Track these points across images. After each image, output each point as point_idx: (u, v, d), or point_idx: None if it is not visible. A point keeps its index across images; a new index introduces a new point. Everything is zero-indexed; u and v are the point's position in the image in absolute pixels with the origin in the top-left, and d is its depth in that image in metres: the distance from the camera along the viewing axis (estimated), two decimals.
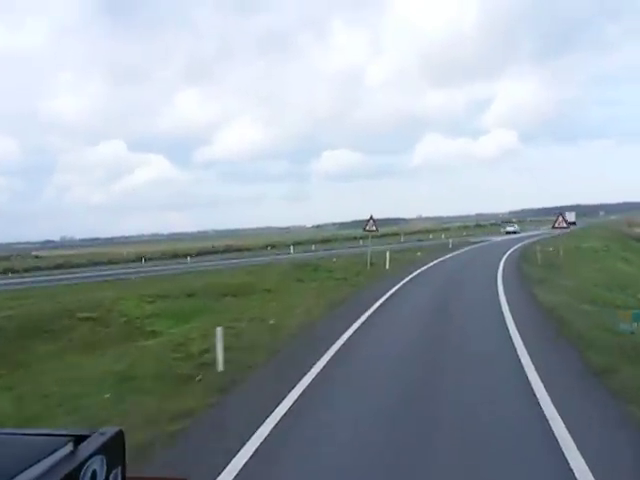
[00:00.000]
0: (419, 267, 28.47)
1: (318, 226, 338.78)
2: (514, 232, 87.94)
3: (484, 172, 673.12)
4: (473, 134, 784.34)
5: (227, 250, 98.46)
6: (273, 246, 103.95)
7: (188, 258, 64.17)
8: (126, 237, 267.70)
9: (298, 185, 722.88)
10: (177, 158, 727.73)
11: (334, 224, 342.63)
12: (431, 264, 30.85)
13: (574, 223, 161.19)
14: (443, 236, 79.98)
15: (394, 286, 20.58)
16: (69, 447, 1.06)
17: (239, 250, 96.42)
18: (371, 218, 28.94)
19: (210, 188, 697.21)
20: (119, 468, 1.14)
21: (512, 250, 40.84)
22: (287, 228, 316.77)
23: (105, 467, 1.07)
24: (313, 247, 71.68)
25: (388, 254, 31.26)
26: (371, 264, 30.11)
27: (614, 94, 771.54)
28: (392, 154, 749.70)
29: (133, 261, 75.64)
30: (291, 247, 63.26)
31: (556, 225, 28.67)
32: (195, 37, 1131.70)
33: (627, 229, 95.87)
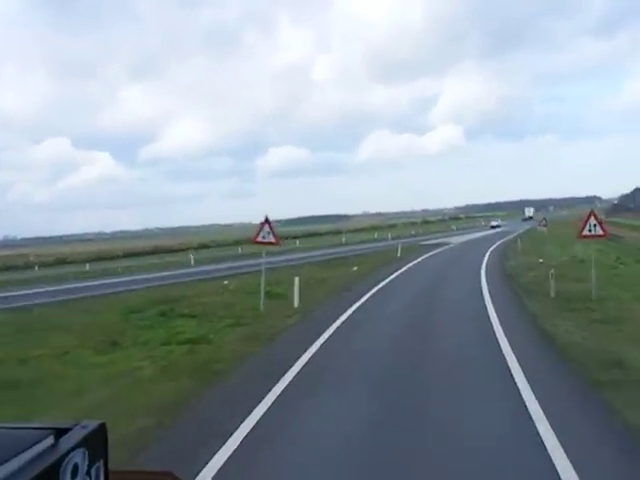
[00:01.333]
0: (350, 303, 16.45)
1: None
2: (497, 226, 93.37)
3: (430, 168, 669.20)
4: (419, 130, 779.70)
5: (155, 251, 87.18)
6: (207, 246, 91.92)
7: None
8: (69, 236, 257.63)
9: (243, 182, 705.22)
10: (122, 156, 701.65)
11: (279, 221, 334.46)
12: (370, 295, 18.60)
13: (531, 218, 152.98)
14: (390, 236, 68.72)
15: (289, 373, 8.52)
16: (50, 440, 1.01)
17: (166, 251, 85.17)
18: (266, 221, 16.56)
19: (155, 186, 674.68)
20: (101, 461, 1.09)
21: (486, 264, 28.13)
22: (230, 225, 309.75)
23: (87, 460, 1.03)
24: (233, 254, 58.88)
25: (306, 271, 19.26)
26: (270, 296, 18.03)
27: (558, 91, 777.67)
28: (338, 150, 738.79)
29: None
30: (192, 258, 48.94)
31: (585, 233, 17.03)
32: (139, 32, 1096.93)
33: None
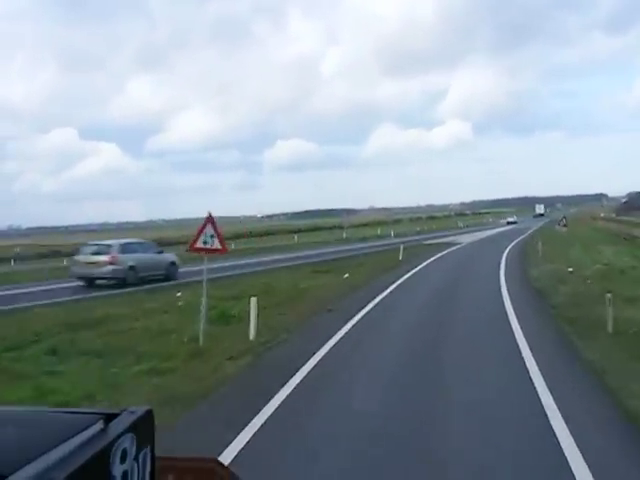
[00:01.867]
0: (328, 334, 11.55)
1: (269, 216, 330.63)
2: (514, 222, 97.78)
3: (437, 163, 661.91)
4: (427, 125, 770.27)
5: (160, 244, 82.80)
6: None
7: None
8: (74, 226, 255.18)
9: (251, 174, 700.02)
10: (129, 147, 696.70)
11: (285, 214, 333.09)
12: (357, 321, 13.43)
13: (542, 215, 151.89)
14: (393, 233, 63.75)
15: None
16: (100, 425, 1.03)
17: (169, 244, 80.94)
18: (209, 221, 11.62)
19: (162, 177, 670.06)
20: (148, 447, 1.11)
21: (505, 274, 22.80)
22: (236, 217, 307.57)
23: (135, 445, 1.05)
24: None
25: (286, 279, 14.39)
26: (224, 319, 13.37)
27: (568, 87, 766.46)
28: (346, 144, 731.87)
29: None
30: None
31: None
32: (148, 23, 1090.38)
33: (608, 224, 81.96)
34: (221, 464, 1.47)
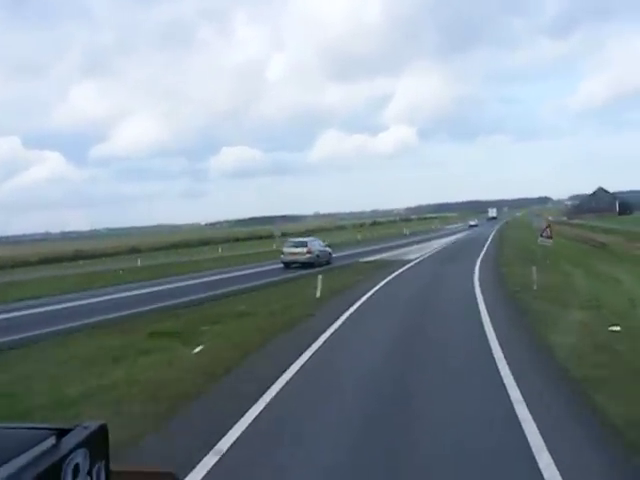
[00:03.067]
0: None
1: (212, 224, 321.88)
2: (475, 225, 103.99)
3: (382, 168, 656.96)
4: (373, 130, 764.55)
5: (76, 257, 70.96)
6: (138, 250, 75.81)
7: None
8: (17, 236, 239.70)
9: (196, 182, 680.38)
10: (73, 155, 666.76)
11: (228, 222, 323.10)
12: None
13: (495, 218, 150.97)
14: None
15: None
16: (51, 440, 1.04)
17: (88, 257, 68.57)
18: None
19: (107, 185, 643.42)
20: (102, 462, 1.11)
21: (503, 351, 10.61)
22: (180, 226, 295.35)
23: (88, 460, 1.05)
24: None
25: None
26: None
27: (512, 91, 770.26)
28: (291, 150, 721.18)
29: None
30: None
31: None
32: (93, 28, 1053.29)
33: (572, 230, 73.58)
34: (176, 478, 1.46)
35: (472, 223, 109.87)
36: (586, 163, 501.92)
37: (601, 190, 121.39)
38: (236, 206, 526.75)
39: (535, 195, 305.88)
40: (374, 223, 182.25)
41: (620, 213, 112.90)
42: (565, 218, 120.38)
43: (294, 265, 28.91)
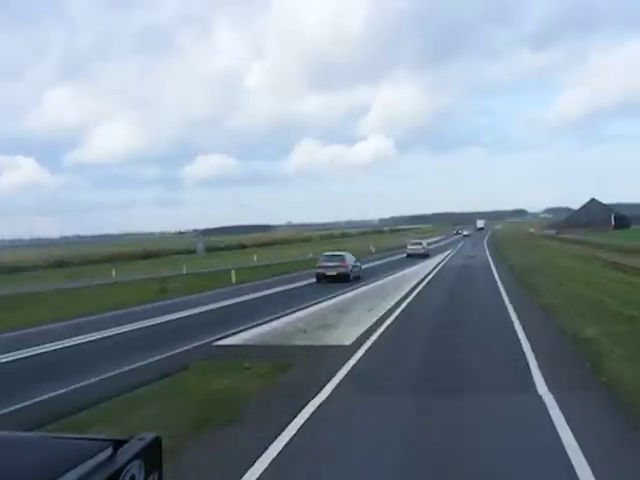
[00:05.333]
0: None
1: (181, 233, 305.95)
2: (468, 235, 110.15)
3: (358, 179, 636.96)
4: (350, 141, 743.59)
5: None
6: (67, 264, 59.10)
7: None
8: None
9: (170, 190, 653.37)
10: (47, 161, 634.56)
11: (195, 230, 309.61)
12: None
13: (482, 229, 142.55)
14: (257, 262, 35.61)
15: None
16: (109, 451, 1.04)
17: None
18: None
19: (80, 192, 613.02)
20: (156, 473, 1.11)
21: None
22: (151, 234, 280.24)
23: (143, 471, 1.05)
24: None
25: None
26: None
27: (491, 103, 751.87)
28: (268, 160, 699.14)
29: None
30: None
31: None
32: (70, 33, 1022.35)
33: (572, 247, 57.45)
34: None
35: (465, 233, 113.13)
36: (563, 176, 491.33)
37: (594, 202, 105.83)
38: (209, 215, 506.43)
39: (510, 208, 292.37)
40: (343, 235, 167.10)
41: (616, 227, 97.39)
42: (553, 232, 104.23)
43: (326, 279, 28.40)
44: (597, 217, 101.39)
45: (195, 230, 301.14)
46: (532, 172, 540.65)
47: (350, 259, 30.32)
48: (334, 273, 28.36)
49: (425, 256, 46.58)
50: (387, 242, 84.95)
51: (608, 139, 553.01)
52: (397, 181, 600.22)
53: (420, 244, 51.46)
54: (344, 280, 27.29)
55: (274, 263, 48.18)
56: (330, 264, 29.22)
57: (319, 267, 29.47)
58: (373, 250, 60.33)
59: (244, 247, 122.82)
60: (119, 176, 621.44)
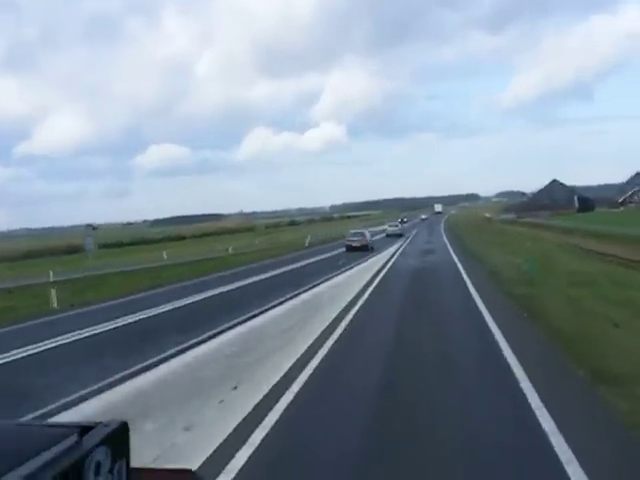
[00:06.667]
0: None
1: (129, 224, 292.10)
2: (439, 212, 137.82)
3: (310, 166, 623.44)
4: (301, 128, 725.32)
5: None
6: None
7: None
8: None
9: (121, 181, 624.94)
10: None
11: (146, 221, 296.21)
12: None
13: (440, 213, 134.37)
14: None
15: None
16: (74, 438, 1.03)
17: None
18: None
19: (30, 185, 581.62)
20: (123, 459, 1.10)
21: None
22: (99, 225, 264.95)
23: (109, 458, 1.04)
24: None
25: None
26: None
27: (443, 88, 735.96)
28: (219, 148, 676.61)
29: None
30: None
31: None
32: (14, 20, 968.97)
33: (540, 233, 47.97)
34: (196, 476, 1.45)
35: (423, 217, 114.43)
36: (515, 160, 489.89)
37: (556, 183, 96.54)
38: (160, 205, 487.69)
39: (463, 192, 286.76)
40: (291, 223, 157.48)
41: (580, 209, 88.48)
42: (513, 216, 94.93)
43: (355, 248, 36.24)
44: (559, 199, 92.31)
45: (145, 221, 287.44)
46: (485, 156, 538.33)
47: (368, 235, 40.33)
48: (359, 245, 37.38)
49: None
50: (331, 230, 73.44)
51: (561, 122, 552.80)
52: (349, 167, 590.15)
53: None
54: (365, 250, 35.74)
55: (178, 263, 36.72)
56: (355, 239, 38.78)
57: (348, 240, 39.01)
58: (307, 244, 48.74)
59: (183, 238, 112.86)
60: (69, 168, 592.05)
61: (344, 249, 37.68)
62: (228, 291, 20.17)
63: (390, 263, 27.39)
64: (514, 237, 44.29)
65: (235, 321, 13.11)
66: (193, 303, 17.49)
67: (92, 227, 52.63)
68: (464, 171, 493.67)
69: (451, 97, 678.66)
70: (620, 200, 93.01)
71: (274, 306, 15.18)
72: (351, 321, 12.36)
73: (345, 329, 11.46)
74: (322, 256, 35.07)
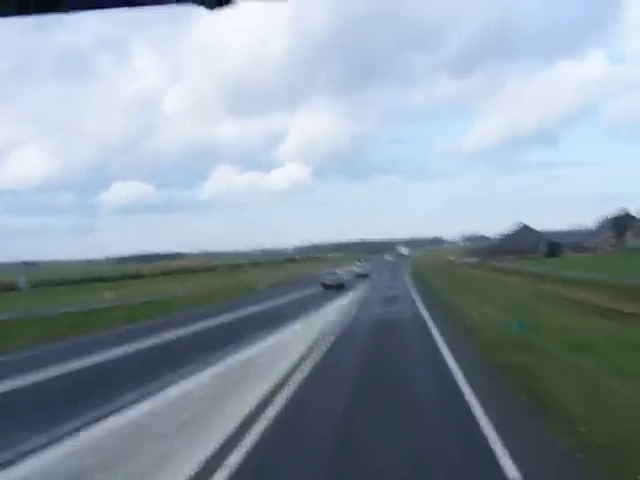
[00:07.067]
0: None
1: (89, 261, 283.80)
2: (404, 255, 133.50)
3: (274, 207, 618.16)
4: (267, 167, 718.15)
5: None
6: None
7: None
8: None
9: (85, 217, 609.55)
10: None
11: (107, 258, 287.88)
12: None
13: (407, 255, 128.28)
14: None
15: None
16: None
17: None
18: None
19: None
20: None
21: None
22: (61, 262, 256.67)
23: None
24: None
25: None
26: None
27: (407, 131, 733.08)
28: (184, 186, 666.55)
29: None
30: None
31: None
32: None
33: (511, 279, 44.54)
34: None
35: (389, 259, 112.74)
36: (478, 204, 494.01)
37: (525, 228, 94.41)
38: (124, 242, 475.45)
39: (429, 235, 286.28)
40: (254, 264, 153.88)
41: (548, 254, 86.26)
42: (476, 260, 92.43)
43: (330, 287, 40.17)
44: (527, 244, 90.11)
45: (108, 259, 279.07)
46: (447, 200, 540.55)
47: (343, 275, 45.97)
48: (333, 283, 41.59)
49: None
50: (294, 271, 69.26)
51: (525, 167, 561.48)
52: (314, 208, 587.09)
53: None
54: (341, 288, 39.90)
55: (114, 307, 32.76)
56: (331, 277, 43.25)
57: (324, 279, 42.73)
58: (262, 287, 44.54)
59: (142, 277, 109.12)
60: (33, 203, 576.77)
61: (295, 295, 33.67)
62: (137, 351, 15.92)
63: (343, 316, 23.08)
64: (483, 283, 40.99)
65: (110, 408, 8.90)
66: (70, 374, 13.03)
67: (25, 264, 48.33)
68: (428, 214, 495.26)
69: (416, 140, 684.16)
70: (588, 245, 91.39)
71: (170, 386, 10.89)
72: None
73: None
74: (273, 303, 30.98)
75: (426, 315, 21.36)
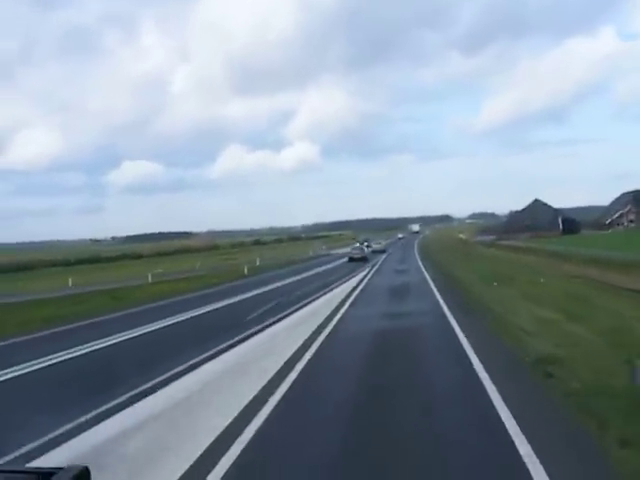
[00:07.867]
0: None
1: (96, 240, 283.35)
2: (416, 232, 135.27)
3: (283, 186, 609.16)
4: (276, 146, 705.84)
5: None
6: None
7: None
8: None
9: (94, 197, 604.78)
10: None
11: (114, 238, 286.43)
12: None
13: (418, 232, 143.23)
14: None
15: None
16: None
17: None
18: None
19: (3, 200, 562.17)
20: None
21: None
22: (71, 241, 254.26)
23: None
24: None
25: None
26: None
27: (419, 109, 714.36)
28: (193, 165, 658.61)
29: None
30: None
31: None
32: None
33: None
34: None
35: (400, 235, 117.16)
36: (488, 182, 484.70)
37: (539, 203, 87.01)
38: (133, 222, 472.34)
39: (437, 213, 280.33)
40: (257, 242, 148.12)
41: (564, 232, 79.21)
42: (491, 238, 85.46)
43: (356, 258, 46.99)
44: (542, 221, 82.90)
45: (114, 238, 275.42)
46: (458, 178, 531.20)
47: (366, 249, 55.19)
48: (359, 256, 48.28)
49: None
50: (289, 252, 63.10)
51: (535, 145, 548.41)
52: (323, 187, 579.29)
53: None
54: (364, 260, 46.25)
55: (74, 294, 27.69)
56: (356, 251, 50.51)
57: (351, 253, 50.12)
58: (246, 271, 37.92)
59: (140, 257, 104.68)
60: (42, 183, 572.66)
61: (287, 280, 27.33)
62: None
63: (343, 310, 16.61)
64: (511, 268, 33.34)
65: None
66: None
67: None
68: (438, 192, 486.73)
69: (428, 119, 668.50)
70: (607, 222, 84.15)
71: None
72: None
73: None
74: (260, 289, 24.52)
75: (453, 321, 14.39)
